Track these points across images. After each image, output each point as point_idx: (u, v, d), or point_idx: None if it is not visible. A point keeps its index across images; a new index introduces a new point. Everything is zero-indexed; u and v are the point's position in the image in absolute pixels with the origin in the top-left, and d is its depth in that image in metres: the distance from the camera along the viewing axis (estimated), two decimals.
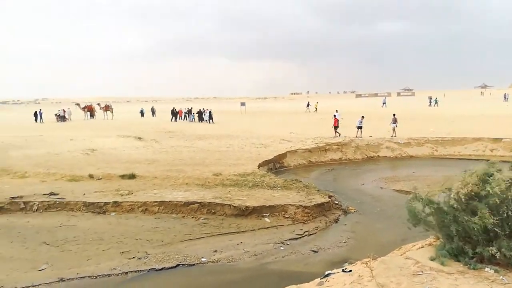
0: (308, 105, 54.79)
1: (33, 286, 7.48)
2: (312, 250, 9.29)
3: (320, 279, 5.60)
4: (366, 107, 51.66)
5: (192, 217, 11.52)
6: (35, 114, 40.67)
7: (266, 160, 18.67)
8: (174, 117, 42.46)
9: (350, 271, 5.76)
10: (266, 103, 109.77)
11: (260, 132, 28.84)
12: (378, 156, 22.68)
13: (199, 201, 11.99)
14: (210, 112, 39.91)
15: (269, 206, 11.65)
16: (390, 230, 10.73)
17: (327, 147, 22.31)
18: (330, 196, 12.94)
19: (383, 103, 56.80)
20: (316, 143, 22.64)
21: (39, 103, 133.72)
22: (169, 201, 12.05)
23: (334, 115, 26.51)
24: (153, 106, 54.49)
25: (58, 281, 7.68)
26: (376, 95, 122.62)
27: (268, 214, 11.46)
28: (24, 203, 12.23)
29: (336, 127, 25.72)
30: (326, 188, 14.48)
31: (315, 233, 10.46)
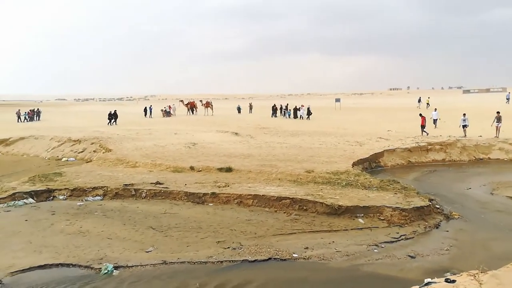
0: (419, 100, 51.37)
1: (141, 265, 8.29)
2: (409, 255, 8.75)
3: (420, 287, 5.25)
4: (480, 103, 46.77)
5: (284, 212, 11.67)
6: (145, 110, 44.79)
7: (361, 159, 18.05)
8: (274, 113, 43.48)
9: (454, 281, 5.30)
10: (362, 99, 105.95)
11: (355, 129, 27.98)
12: (489, 158, 20.42)
13: (291, 197, 12.10)
14: (308, 108, 39.75)
15: (363, 206, 11.27)
16: (500, 242, 9.63)
17: (429, 146, 20.74)
18: (430, 200, 12.03)
19: (507, 99, 50.31)
20: (417, 142, 21.21)
21: (148, 99, 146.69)
22: (262, 195, 12.37)
23: (420, 114, 25.22)
24: (250, 103, 56.24)
25: (162, 263, 8.40)
26: (488, 90, 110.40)
27: (362, 214, 11.09)
28: (135, 190, 13.61)
29: (423, 127, 24.36)
30: (427, 191, 13.49)
31: (413, 237, 9.84)
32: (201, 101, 51.76)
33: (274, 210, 11.91)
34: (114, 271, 7.99)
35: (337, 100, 54.14)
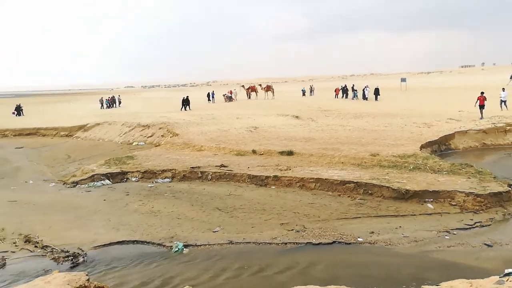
0: None
1: (209, 244, 8.68)
2: (485, 244, 8.23)
3: (500, 277, 4.94)
4: None
5: (348, 196, 11.50)
6: (208, 95, 46.01)
7: (429, 141, 17.13)
8: (345, 94, 42.35)
9: None
10: (430, 78, 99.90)
11: (423, 110, 26.52)
12: None
13: (355, 180, 11.86)
14: (377, 88, 37.90)
15: (433, 191, 10.74)
16: None
17: (508, 127, 19.13)
18: (510, 185, 11.15)
19: None
20: (493, 123, 19.64)
21: (210, 85, 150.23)
22: (325, 179, 12.27)
23: (482, 92, 22.41)
24: (311, 85, 55.40)
25: (228, 243, 8.72)
26: None
27: (431, 199, 10.60)
28: (201, 172, 14.15)
29: (481, 107, 21.86)
30: (506, 176, 12.50)
31: (489, 225, 9.22)
32: (260, 85, 51.96)
33: (338, 194, 11.78)
34: (184, 249, 8.45)
35: (403, 80, 51.47)
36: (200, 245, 8.65)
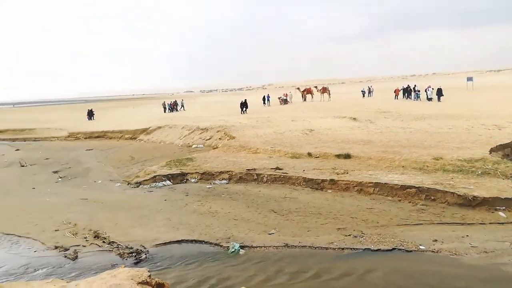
0: None
1: (264, 246, 8.73)
2: None
3: None
4: None
5: (409, 202, 11.02)
6: (263, 98, 46.36)
7: (500, 145, 15.89)
8: (408, 95, 40.48)
9: None
10: (500, 77, 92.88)
11: (492, 111, 24.68)
12: None
13: (417, 185, 11.34)
14: (439, 89, 35.85)
15: (505, 198, 9.97)
16: None
17: None
18: None
19: None
20: None
21: (265, 88, 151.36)
22: (384, 183, 11.85)
23: None
24: (370, 86, 53.80)
25: (283, 246, 8.71)
26: None
27: (504, 207, 9.84)
28: (257, 175, 14.29)
29: None
30: None
31: None
32: (316, 87, 51.37)
33: (398, 199, 11.33)
34: (241, 250, 8.58)
35: (469, 79, 48.27)
36: (256, 247, 8.73)
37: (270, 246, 8.71)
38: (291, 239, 9.02)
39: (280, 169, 14.50)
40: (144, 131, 29.08)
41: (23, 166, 20.29)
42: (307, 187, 13.05)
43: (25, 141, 32.07)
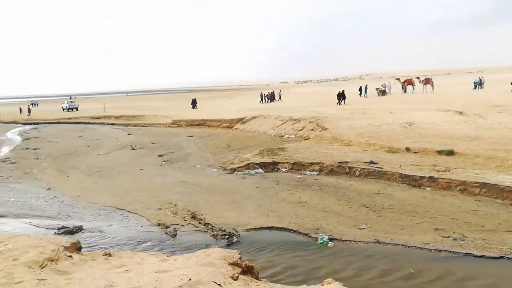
0: None
1: (354, 241, 8.55)
2: None
3: None
4: None
5: None
6: (360, 89, 44.79)
7: None
8: None
9: None
10: None
11: None
12: None
13: None
14: None
15: None
16: None
17: None
18: None
19: None
20: None
21: (363, 79, 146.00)
22: (493, 184, 10.72)
23: None
24: (480, 77, 48.67)
25: (374, 242, 8.43)
26: None
27: None
28: (349, 168, 13.97)
29: None
30: None
31: None
32: (418, 78, 47.95)
33: (510, 202, 10.16)
34: (329, 242, 8.52)
35: None
36: (345, 240, 8.59)
37: (360, 241, 8.50)
38: (383, 235, 8.69)
39: (374, 163, 13.96)
40: (240, 120, 30.18)
41: (133, 149, 22.58)
42: (403, 184, 12.38)
43: (135, 126, 35.57)
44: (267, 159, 15.97)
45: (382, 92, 43.31)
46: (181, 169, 16.73)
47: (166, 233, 9.53)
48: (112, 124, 38.30)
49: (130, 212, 11.31)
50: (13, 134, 33.71)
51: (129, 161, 19.05)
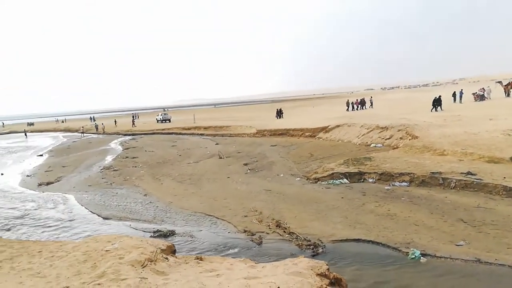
0: None
1: (450, 258, 7.90)
2: None
3: None
4: None
5: None
6: (454, 95, 41.54)
7: None
8: None
9: None
10: None
11: None
12: None
13: None
14: None
15: None
16: None
17: None
18: None
19: None
20: None
21: (456, 83, 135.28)
22: None
23: None
24: None
25: (475, 260, 7.70)
26: None
27: None
28: (443, 179, 12.98)
29: None
30: None
31: None
32: None
33: None
34: (422, 258, 7.99)
35: None
36: (440, 257, 7.99)
37: (457, 259, 7.83)
38: (484, 254, 7.91)
39: (472, 174, 12.81)
40: (323, 129, 29.85)
41: (221, 158, 23.57)
42: (508, 197, 11.16)
43: (222, 136, 37.12)
44: (352, 169, 15.54)
45: (480, 97, 39.64)
46: (265, 178, 17.02)
47: (252, 240, 9.76)
48: (201, 134, 40.45)
49: (218, 218, 11.80)
50: (115, 144, 37.34)
51: (217, 170, 19.92)
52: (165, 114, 62.96)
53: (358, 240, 9.24)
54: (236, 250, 9.28)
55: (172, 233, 10.63)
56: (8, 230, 12.10)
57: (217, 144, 31.19)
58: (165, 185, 17.18)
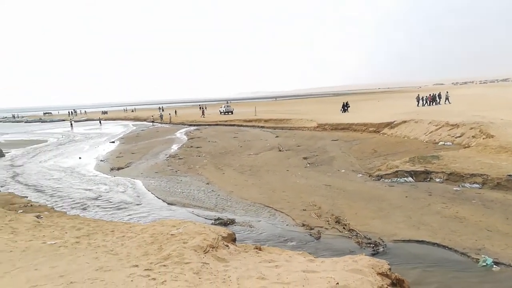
0: None
1: None
2: None
3: None
4: None
5: None
6: None
7: None
8: None
9: None
10: None
11: None
12: None
13: None
14: None
15: None
16: None
17: None
18: None
19: None
20: None
21: None
22: None
23: None
24: None
25: None
26: None
27: None
28: None
29: None
30: None
31: None
32: None
33: None
34: (494, 266, 7.46)
35: None
36: None
37: None
38: None
39: None
40: (388, 125, 28.71)
41: (280, 150, 23.65)
42: None
43: (282, 129, 37.16)
44: (418, 167, 14.81)
45: None
46: (325, 173, 16.81)
47: (310, 235, 9.72)
48: (262, 127, 40.83)
49: (276, 210, 11.89)
50: (181, 134, 38.93)
51: (276, 162, 20.03)
52: (227, 106, 64.33)
53: (422, 242, 8.84)
54: (294, 243, 9.31)
55: (232, 222, 10.91)
56: (84, 209, 13.17)
57: (277, 136, 31.30)
58: (227, 175, 17.63)
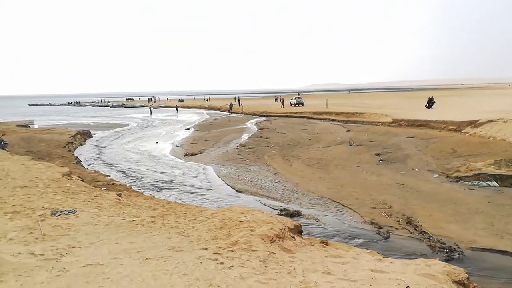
0: None
1: None
2: None
3: None
4: None
5: None
6: None
7: None
8: None
9: None
10: None
11: None
12: None
13: None
14: None
15: None
16: None
17: None
18: None
19: None
20: None
21: None
22: None
23: None
24: None
25: None
26: None
27: None
28: None
29: None
30: None
31: None
32: None
33: None
34: None
35: None
36: None
37: None
38: None
39: None
40: (471, 123, 26.56)
41: (351, 145, 23.02)
42: None
43: (354, 123, 36.11)
44: (505, 171, 13.54)
45: None
46: (398, 171, 16.06)
47: (379, 234, 9.40)
48: (332, 120, 40.04)
49: (344, 206, 11.65)
50: (251, 124, 39.59)
51: (346, 157, 19.56)
52: (298, 98, 63.93)
53: (505, 253, 8.11)
54: (361, 240, 9.07)
55: (298, 214, 10.91)
56: (159, 191, 14.01)
57: (348, 131, 30.50)
58: (294, 166, 17.61)
